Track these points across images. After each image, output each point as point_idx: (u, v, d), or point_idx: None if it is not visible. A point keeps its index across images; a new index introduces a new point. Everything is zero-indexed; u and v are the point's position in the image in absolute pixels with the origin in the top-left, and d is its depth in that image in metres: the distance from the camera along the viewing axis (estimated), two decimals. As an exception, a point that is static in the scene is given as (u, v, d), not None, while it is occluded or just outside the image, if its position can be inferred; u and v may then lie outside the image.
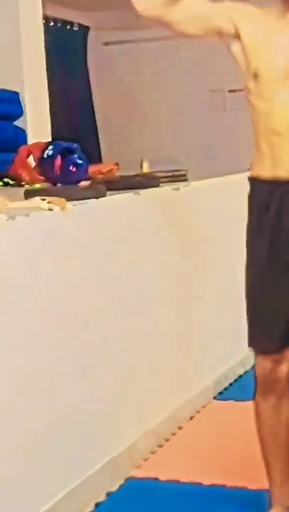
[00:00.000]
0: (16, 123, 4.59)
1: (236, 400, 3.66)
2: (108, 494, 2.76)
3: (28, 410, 2.45)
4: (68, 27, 7.74)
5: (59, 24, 7.43)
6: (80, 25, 7.96)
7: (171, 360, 3.42)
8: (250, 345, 2.34)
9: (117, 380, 2.95)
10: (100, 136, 8.13)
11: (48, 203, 2.65)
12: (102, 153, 7.71)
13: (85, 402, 2.74)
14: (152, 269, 3.28)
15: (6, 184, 3.58)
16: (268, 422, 2.36)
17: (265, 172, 2.19)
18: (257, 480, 2.63)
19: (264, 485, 2.51)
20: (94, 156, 6.51)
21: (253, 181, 2.25)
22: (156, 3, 2.14)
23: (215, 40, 2.27)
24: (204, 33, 2.23)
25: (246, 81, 2.19)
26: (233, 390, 3.87)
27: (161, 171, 3.79)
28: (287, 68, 2.09)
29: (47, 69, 4.87)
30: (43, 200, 2.68)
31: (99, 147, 7.94)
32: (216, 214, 3.56)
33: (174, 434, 3.30)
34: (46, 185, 3.30)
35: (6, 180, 3.62)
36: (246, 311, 2.30)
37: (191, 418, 3.49)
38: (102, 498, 2.73)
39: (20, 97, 4.57)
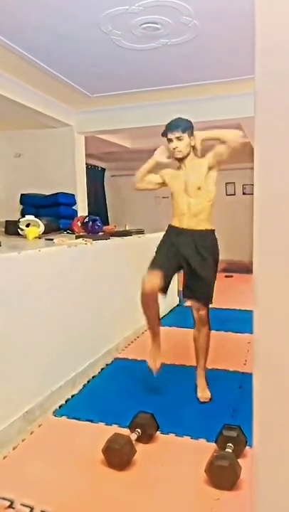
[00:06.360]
0: (73, 207, 4.50)
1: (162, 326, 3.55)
2: (107, 364, 2.69)
3: (72, 322, 2.37)
4: (96, 168, 7.64)
5: (92, 167, 7.33)
6: (101, 167, 7.89)
7: (127, 312, 3.31)
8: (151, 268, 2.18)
9: (113, 314, 2.87)
10: (108, 213, 8.03)
11: (85, 241, 2.61)
12: (109, 220, 7.60)
13: (97, 324, 2.67)
14: (125, 269, 3.21)
15: (68, 233, 3.50)
16: (148, 313, 2.26)
17: (176, 224, 2.21)
18: (188, 360, 2.55)
19: (191, 363, 2.41)
20: (105, 221, 6.42)
21: (170, 226, 2.25)
22: (139, 180, 2.25)
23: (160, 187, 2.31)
24: (157, 186, 2.28)
25: (170, 194, 2.23)
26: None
27: (132, 229, 3.73)
28: (181, 191, 2.16)
29: (87, 186, 4.77)
30: (83, 239, 2.64)
31: (107, 218, 7.84)
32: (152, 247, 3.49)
33: (135, 340, 3.20)
34: (85, 234, 3.23)
35: (69, 231, 3.55)
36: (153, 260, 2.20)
37: (142, 333, 3.34)
38: (104, 366, 2.66)
39: (75, 196, 4.47)
